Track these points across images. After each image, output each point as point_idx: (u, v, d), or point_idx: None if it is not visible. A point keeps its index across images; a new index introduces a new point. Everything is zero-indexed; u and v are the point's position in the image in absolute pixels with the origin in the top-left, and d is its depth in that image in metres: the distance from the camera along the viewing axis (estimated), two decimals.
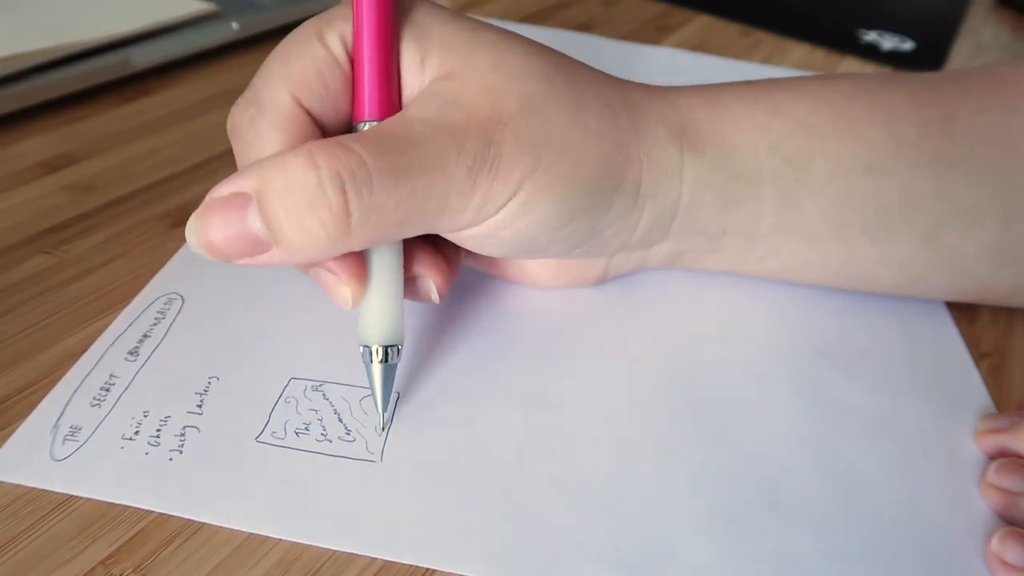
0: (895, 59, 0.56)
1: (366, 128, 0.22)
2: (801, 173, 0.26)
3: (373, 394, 0.24)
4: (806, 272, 0.29)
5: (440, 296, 0.25)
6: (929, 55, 0.57)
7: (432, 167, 0.20)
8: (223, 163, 0.36)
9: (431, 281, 0.25)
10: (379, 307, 0.23)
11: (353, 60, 0.22)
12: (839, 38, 0.58)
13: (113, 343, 0.26)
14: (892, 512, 0.23)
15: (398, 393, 0.25)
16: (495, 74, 0.22)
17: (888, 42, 0.58)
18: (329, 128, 0.23)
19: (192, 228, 0.20)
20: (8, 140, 0.37)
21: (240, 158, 0.22)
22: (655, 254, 0.29)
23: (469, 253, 0.29)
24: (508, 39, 0.23)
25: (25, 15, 0.41)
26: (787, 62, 0.54)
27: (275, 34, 0.49)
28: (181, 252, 0.30)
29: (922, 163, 0.26)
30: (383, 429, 0.24)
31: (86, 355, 0.25)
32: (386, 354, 0.23)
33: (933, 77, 0.29)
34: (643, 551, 0.21)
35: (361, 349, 0.23)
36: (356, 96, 0.22)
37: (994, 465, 0.24)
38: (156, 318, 0.27)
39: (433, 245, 0.25)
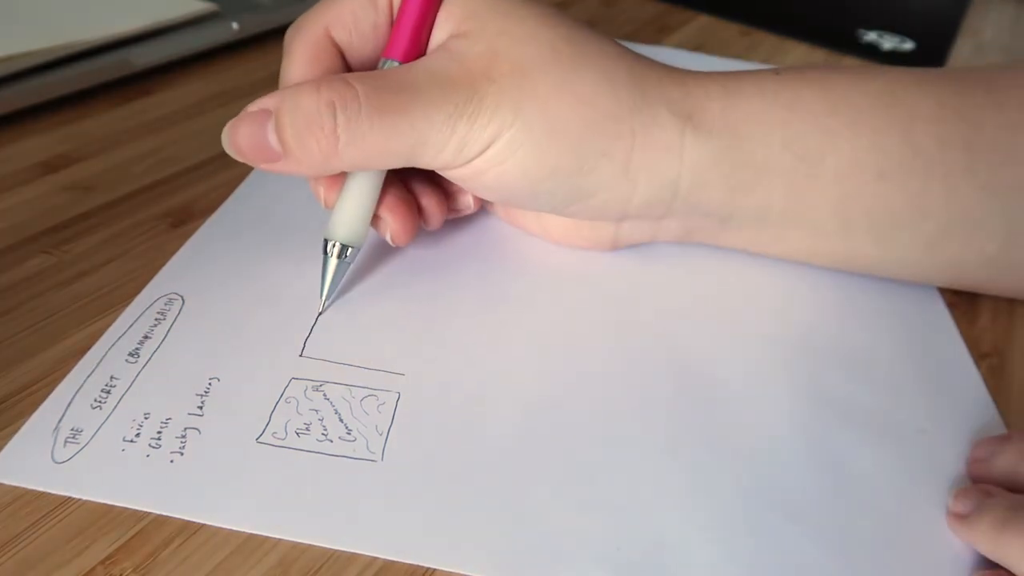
0: (895, 59, 0.56)
1: (385, 66, 0.25)
2: (812, 170, 0.27)
3: (321, 283, 0.27)
4: (813, 259, 0.30)
5: (394, 240, 0.28)
6: (929, 55, 0.57)
7: (414, 109, 0.23)
8: (223, 163, 0.36)
9: (390, 225, 0.28)
10: (349, 211, 0.26)
11: (401, 6, 0.25)
12: (839, 38, 0.58)
13: (114, 344, 0.26)
14: (892, 512, 0.23)
15: (398, 393, 0.25)
16: (500, 38, 0.25)
17: (888, 42, 0.58)
18: (355, 61, 0.27)
19: (226, 133, 0.24)
20: (8, 140, 0.37)
21: (281, 69, 0.27)
22: (666, 228, 0.30)
23: (495, 205, 0.32)
24: (527, 9, 0.25)
25: (25, 15, 0.41)
26: (787, 62, 0.54)
27: (275, 34, 0.49)
28: (181, 252, 0.30)
29: (936, 176, 0.26)
30: (320, 314, 0.27)
31: (87, 357, 0.25)
32: (342, 252, 0.27)
33: (970, 80, 0.28)
34: (644, 551, 0.21)
35: (323, 243, 0.27)
36: (392, 36, 0.26)
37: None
38: (156, 319, 0.27)
39: (434, 183, 0.29)
